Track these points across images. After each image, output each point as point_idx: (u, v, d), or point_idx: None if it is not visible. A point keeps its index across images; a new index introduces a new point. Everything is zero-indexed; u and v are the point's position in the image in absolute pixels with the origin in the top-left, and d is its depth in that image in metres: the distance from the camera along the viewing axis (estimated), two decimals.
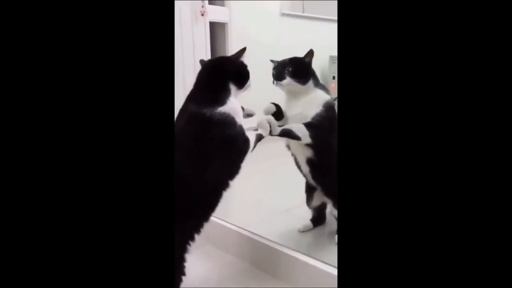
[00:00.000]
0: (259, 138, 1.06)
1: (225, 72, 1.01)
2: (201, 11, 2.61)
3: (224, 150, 0.95)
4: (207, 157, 0.93)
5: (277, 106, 1.21)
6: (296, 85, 1.17)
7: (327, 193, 1.26)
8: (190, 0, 2.53)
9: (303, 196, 1.37)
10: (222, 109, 0.95)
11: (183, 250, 0.93)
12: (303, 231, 1.35)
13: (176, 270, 0.91)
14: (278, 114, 1.21)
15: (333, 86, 3.34)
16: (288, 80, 1.16)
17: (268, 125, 1.10)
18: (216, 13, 2.80)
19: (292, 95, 1.20)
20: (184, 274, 0.93)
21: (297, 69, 1.17)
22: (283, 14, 3.28)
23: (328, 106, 1.17)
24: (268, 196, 1.75)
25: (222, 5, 2.89)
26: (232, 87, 1.01)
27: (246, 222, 1.39)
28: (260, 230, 1.31)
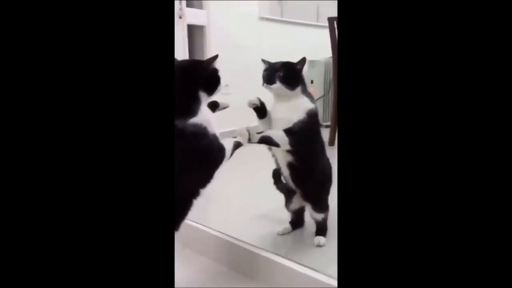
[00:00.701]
0: (237, 145, 1.07)
1: (196, 80, 1.00)
2: (179, 14, 2.59)
3: (198, 161, 0.95)
4: (180, 168, 0.91)
5: (261, 103, 1.21)
6: (285, 90, 1.18)
7: (306, 197, 1.27)
8: None
9: (282, 199, 1.38)
10: (194, 120, 0.95)
11: None
12: (282, 234, 1.35)
13: None
14: (262, 110, 1.22)
15: (312, 90, 3.38)
16: (278, 84, 1.17)
17: (247, 133, 1.11)
18: (194, 16, 2.78)
19: (279, 98, 1.22)
20: None
21: (288, 75, 1.18)
22: (262, 18, 3.30)
23: (311, 114, 1.18)
24: (247, 200, 1.75)
25: (201, 7, 2.89)
26: (203, 95, 1.00)
27: (225, 226, 1.38)
28: (239, 234, 1.31)
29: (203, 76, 1.01)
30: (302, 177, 1.24)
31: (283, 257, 1.15)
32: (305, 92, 1.23)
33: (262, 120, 1.22)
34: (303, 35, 3.58)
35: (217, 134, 1.00)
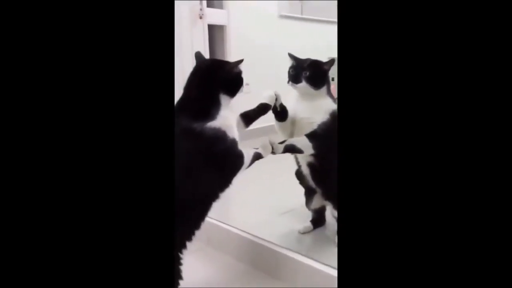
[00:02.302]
0: (258, 157, 1.06)
1: (217, 82, 0.98)
2: (199, 14, 2.62)
3: (215, 165, 0.95)
4: (198, 171, 0.93)
5: (282, 107, 1.20)
6: (310, 90, 1.17)
7: (327, 196, 1.26)
8: (188, 2, 2.54)
9: (303, 198, 1.38)
10: (212, 124, 0.93)
11: (177, 258, 0.93)
12: (303, 232, 1.36)
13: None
14: (282, 114, 1.21)
15: (333, 87, 3.35)
16: (303, 84, 1.17)
17: (271, 147, 1.10)
18: (214, 16, 2.81)
19: (303, 97, 1.21)
20: (181, 278, 0.93)
21: (314, 75, 1.17)
22: (282, 16, 3.29)
23: (334, 115, 1.17)
24: (269, 198, 1.76)
25: (221, 7, 2.90)
26: (224, 97, 0.98)
27: (247, 224, 1.39)
28: (261, 232, 1.32)
29: (226, 78, 1.00)
30: (322, 177, 1.24)
31: (304, 255, 1.15)
32: (329, 93, 1.22)
33: (281, 124, 1.21)
34: (324, 32, 3.55)
35: (237, 139, 0.99)
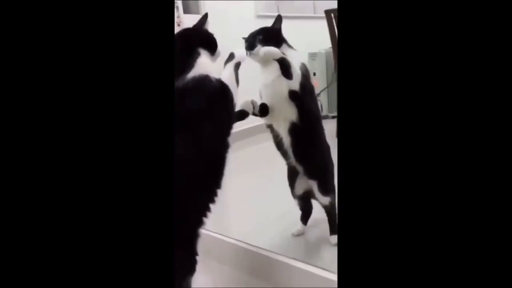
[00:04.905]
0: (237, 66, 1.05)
1: (191, 39, 1.02)
2: (177, 22, 2.61)
3: (212, 107, 0.93)
4: (198, 124, 0.91)
5: (261, 105, 1.20)
6: (271, 49, 1.14)
7: (310, 173, 1.25)
8: None
9: (292, 201, 1.39)
10: (192, 73, 0.93)
11: (200, 223, 0.92)
12: (297, 235, 1.38)
13: (191, 246, 0.91)
14: (262, 110, 1.20)
15: (315, 82, 3.38)
16: (259, 47, 1.16)
17: (252, 105, 1.14)
18: (191, 21, 2.79)
19: (266, 65, 1.19)
20: (197, 254, 0.92)
21: (267, 36, 1.18)
22: (259, 16, 3.30)
23: (303, 68, 1.19)
24: (261, 205, 1.75)
25: (197, 12, 2.90)
26: (202, 51, 1.00)
27: (242, 233, 1.41)
28: (256, 240, 1.33)
29: (199, 34, 1.04)
30: (304, 144, 1.21)
31: (301, 261, 1.17)
32: (291, 47, 1.23)
33: (267, 117, 1.22)
34: (302, 28, 3.57)
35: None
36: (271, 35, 1.20)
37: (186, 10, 2.78)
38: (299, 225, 1.40)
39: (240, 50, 1.10)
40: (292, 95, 1.16)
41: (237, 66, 1.05)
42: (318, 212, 1.37)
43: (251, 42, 1.19)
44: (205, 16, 1.06)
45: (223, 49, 1.07)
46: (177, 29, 2.59)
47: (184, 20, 2.64)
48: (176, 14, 2.60)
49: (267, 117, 1.22)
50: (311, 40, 3.30)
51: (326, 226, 1.32)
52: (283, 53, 1.16)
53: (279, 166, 1.33)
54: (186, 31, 1.08)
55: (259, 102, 1.21)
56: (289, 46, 1.24)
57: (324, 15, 2.66)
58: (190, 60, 0.96)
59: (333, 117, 3.37)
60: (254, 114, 1.19)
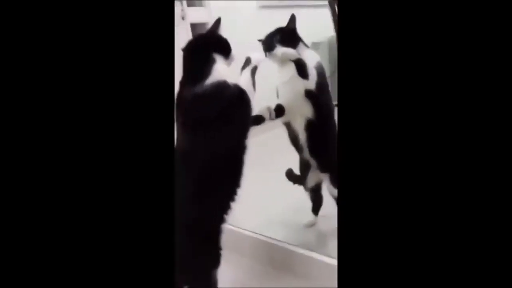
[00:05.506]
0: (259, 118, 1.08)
1: (206, 45, 1.03)
2: (181, 15, 2.62)
3: (230, 112, 0.96)
4: (217, 128, 0.95)
5: (276, 107, 1.23)
6: (288, 52, 1.19)
7: (323, 167, 1.29)
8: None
9: (303, 193, 1.42)
10: (210, 80, 0.96)
11: (222, 220, 0.98)
12: (310, 226, 1.43)
13: (215, 242, 0.98)
14: (279, 112, 1.24)
15: None
16: (278, 47, 1.19)
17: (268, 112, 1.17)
18: (196, 15, 2.81)
19: (284, 64, 1.23)
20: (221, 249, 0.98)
21: (284, 36, 1.21)
22: (262, 6, 3.30)
23: (319, 67, 1.22)
24: (274, 197, 1.78)
25: (202, 5, 2.90)
26: (218, 57, 1.01)
27: (257, 225, 1.45)
28: (272, 231, 1.37)
29: (212, 38, 1.06)
30: (319, 141, 1.25)
31: (313, 251, 1.21)
32: (307, 46, 1.26)
33: (284, 115, 1.25)
34: (305, 17, 3.56)
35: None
36: (288, 35, 1.22)
37: (190, 4, 2.79)
38: (310, 216, 1.44)
39: (256, 54, 1.12)
40: (308, 94, 1.20)
41: (254, 70, 1.08)
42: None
43: (269, 43, 1.21)
44: (218, 21, 1.08)
45: (227, 39, 1.08)
46: (181, 23, 2.62)
47: (188, 13, 2.65)
48: (180, 7, 2.60)
49: (284, 115, 1.26)
50: (314, 29, 3.30)
51: (334, 220, 1.35)
52: (299, 54, 1.20)
53: (284, 163, 1.36)
54: (200, 37, 1.11)
55: (276, 99, 1.25)
56: (305, 45, 1.26)
57: (327, 2, 2.65)
58: (206, 66, 0.98)
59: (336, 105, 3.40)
60: (270, 119, 1.22)
